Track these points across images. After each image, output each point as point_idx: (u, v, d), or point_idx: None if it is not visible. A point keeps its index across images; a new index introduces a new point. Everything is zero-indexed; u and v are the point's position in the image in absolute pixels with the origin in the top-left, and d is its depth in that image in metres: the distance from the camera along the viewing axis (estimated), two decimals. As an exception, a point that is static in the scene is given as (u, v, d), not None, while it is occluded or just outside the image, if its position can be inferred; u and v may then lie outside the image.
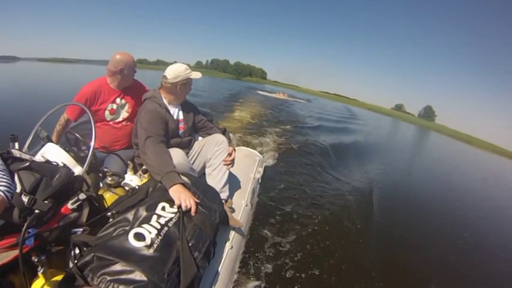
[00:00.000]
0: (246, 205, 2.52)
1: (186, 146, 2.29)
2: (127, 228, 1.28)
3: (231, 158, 2.23)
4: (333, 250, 3.26)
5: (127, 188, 1.92)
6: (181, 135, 2.27)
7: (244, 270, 2.54)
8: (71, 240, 1.25)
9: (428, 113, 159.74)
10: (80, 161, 1.82)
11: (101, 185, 1.98)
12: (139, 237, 1.22)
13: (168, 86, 2.15)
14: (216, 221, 1.61)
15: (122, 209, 1.43)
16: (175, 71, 2.13)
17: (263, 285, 2.50)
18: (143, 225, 1.28)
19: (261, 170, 3.53)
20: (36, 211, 1.15)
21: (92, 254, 1.15)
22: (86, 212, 1.36)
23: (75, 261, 1.15)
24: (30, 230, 1.11)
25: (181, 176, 1.70)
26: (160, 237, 1.25)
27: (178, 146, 2.17)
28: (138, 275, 1.09)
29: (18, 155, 1.47)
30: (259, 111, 14.45)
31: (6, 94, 11.22)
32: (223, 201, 2.05)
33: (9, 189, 1.01)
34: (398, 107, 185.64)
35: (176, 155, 1.95)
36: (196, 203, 1.54)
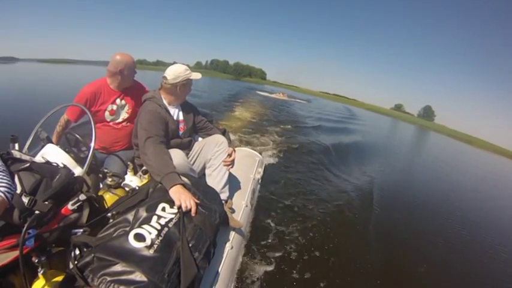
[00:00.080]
0: (246, 205, 2.52)
1: (186, 147, 2.28)
2: (127, 228, 1.28)
3: (231, 158, 2.23)
4: (333, 250, 3.26)
5: (127, 189, 1.92)
6: (182, 135, 2.27)
7: (244, 271, 2.54)
8: (71, 241, 1.25)
9: (427, 113, 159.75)
10: (80, 161, 1.82)
11: (101, 185, 1.98)
12: (140, 237, 1.22)
13: (168, 87, 2.15)
14: (216, 221, 1.61)
15: (122, 210, 1.43)
16: (175, 72, 2.13)
17: (263, 285, 2.50)
18: (143, 226, 1.28)
19: (261, 170, 3.53)
20: (37, 212, 1.15)
21: (92, 255, 1.15)
22: (86, 212, 1.37)
23: (76, 262, 1.15)
24: (30, 231, 1.11)
25: (182, 177, 1.70)
26: (160, 238, 1.25)
27: (178, 146, 2.17)
28: (139, 276, 1.09)
29: (18, 156, 1.47)
30: (259, 111, 14.47)
31: (6, 95, 11.20)
32: (223, 201, 2.05)
33: (9, 190, 1.01)
34: (398, 107, 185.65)
35: (176, 155, 1.95)
36: (197, 203, 1.54)
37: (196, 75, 2.25)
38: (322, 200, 4.60)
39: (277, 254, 2.93)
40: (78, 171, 1.72)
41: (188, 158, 2.23)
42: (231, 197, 2.30)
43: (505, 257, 4.28)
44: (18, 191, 1.19)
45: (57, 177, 1.37)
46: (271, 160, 6.30)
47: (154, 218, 1.35)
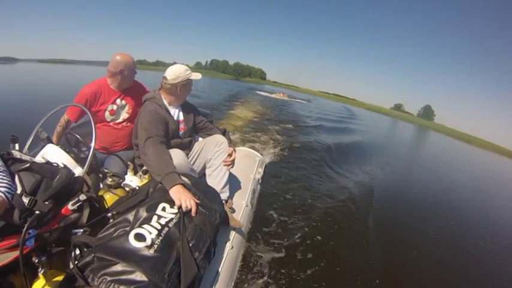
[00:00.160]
0: (246, 205, 2.52)
1: (186, 147, 2.28)
2: (127, 228, 1.28)
3: (231, 158, 2.23)
4: (334, 249, 3.26)
5: (127, 189, 1.92)
6: (182, 136, 2.27)
7: (244, 271, 2.54)
8: (71, 241, 1.25)
9: (427, 113, 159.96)
10: (80, 162, 1.82)
11: (101, 185, 1.98)
12: (140, 237, 1.22)
13: (168, 87, 2.15)
14: (216, 221, 1.61)
15: (122, 210, 1.43)
16: (175, 72, 2.13)
17: (264, 285, 2.50)
18: (144, 226, 1.28)
19: (261, 170, 3.53)
20: (37, 212, 1.15)
21: (93, 255, 1.15)
22: (86, 212, 1.37)
23: (76, 262, 1.15)
24: (30, 231, 1.11)
25: (182, 177, 1.70)
26: (160, 238, 1.25)
27: (179, 146, 2.17)
28: (139, 276, 1.09)
29: (18, 156, 1.47)
30: (259, 111, 14.47)
31: (6, 95, 11.20)
32: (224, 201, 2.05)
33: (9, 190, 1.01)
34: (398, 107, 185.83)
35: (176, 155, 1.95)
36: (197, 203, 1.54)
37: (197, 76, 2.25)
38: (322, 200, 4.60)
39: (277, 254, 2.93)
40: (78, 171, 1.72)
41: (188, 158, 2.23)
42: (231, 196, 2.30)
43: (505, 257, 4.28)
44: (19, 191, 1.19)
45: (58, 177, 1.37)
46: (272, 159, 6.31)
47: (155, 217, 1.35)
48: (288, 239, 3.22)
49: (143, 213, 1.36)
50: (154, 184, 1.66)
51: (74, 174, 1.54)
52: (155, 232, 1.26)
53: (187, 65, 2.24)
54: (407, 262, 3.50)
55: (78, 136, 2.19)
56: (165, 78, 2.14)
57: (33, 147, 1.89)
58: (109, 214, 1.47)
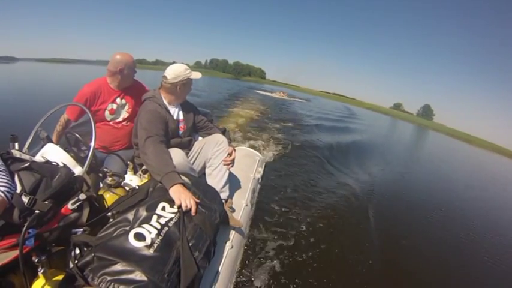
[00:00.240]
0: (246, 205, 2.52)
1: (186, 146, 2.28)
2: (127, 228, 1.28)
3: (231, 158, 2.23)
4: (334, 248, 3.27)
5: (127, 188, 1.92)
6: (182, 135, 2.27)
7: (244, 270, 2.55)
8: (71, 240, 1.24)
9: (426, 112, 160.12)
10: (80, 161, 1.82)
11: (101, 185, 1.98)
12: (140, 237, 1.22)
13: (168, 86, 2.14)
14: (216, 220, 1.61)
15: (122, 209, 1.43)
16: (175, 71, 2.13)
17: (263, 284, 2.50)
18: (143, 225, 1.28)
19: (261, 169, 3.53)
20: (37, 211, 1.15)
21: (92, 254, 1.15)
22: (86, 212, 1.36)
23: (76, 262, 1.14)
24: (30, 231, 1.11)
25: (182, 176, 1.69)
26: (160, 237, 1.25)
27: (179, 146, 2.16)
28: (139, 275, 1.09)
29: (18, 156, 1.47)
30: (259, 110, 14.48)
31: (6, 94, 11.20)
32: (224, 201, 2.05)
33: (9, 190, 1.01)
34: (397, 106, 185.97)
35: (176, 155, 1.95)
36: (197, 203, 1.54)
37: (197, 75, 2.25)
38: (322, 199, 4.61)
39: (277, 253, 2.93)
40: (78, 170, 1.72)
41: (188, 157, 2.23)
42: (231, 196, 2.30)
43: (505, 257, 4.28)
44: (18, 190, 1.19)
45: (57, 176, 1.37)
46: (272, 159, 6.31)
47: (155, 217, 1.35)
48: (288, 238, 3.22)
49: (143, 213, 1.35)
50: (154, 183, 1.66)
51: (73, 173, 1.54)
52: (155, 231, 1.26)
53: (187, 64, 2.24)
54: (407, 260, 3.51)
55: (77, 135, 2.19)
56: (165, 77, 2.14)
57: (33, 147, 1.89)
58: (109, 213, 1.47)
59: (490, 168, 19.58)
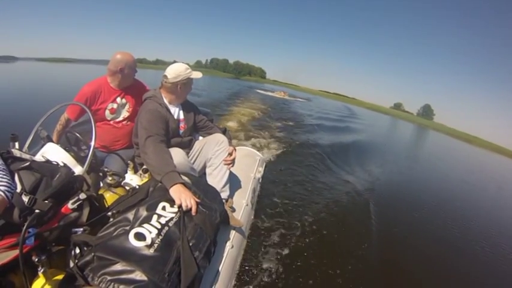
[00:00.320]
0: (247, 204, 2.52)
1: (187, 146, 2.28)
2: (127, 228, 1.27)
3: (232, 157, 2.23)
4: (334, 248, 3.27)
5: (127, 188, 1.91)
6: (182, 134, 2.27)
7: (245, 270, 2.54)
8: (71, 240, 1.24)
9: (426, 112, 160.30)
10: (80, 160, 1.82)
11: (101, 184, 1.98)
12: (140, 237, 1.22)
13: (168, 86, 2.14)
14: (216, 220, 1.61)
15: (122, 209, 1.43)
16: (175, 71, 2.13)
17: (264, 284, 2.50)
18: (144, 225, 1.28)
19: (262, 169, 3.53)
20: (37, 211, 1.15)
21: (93, 254, 1.14)
22: (86, 211, 1.36)
23: (76, 261, 1.15)
24: (30, 230, 1.11)
25: (182, 176, 1.69)
26: (160, 237, 1.25)
27: (179, 145, 2.16)
28: (139, 275, 1.09)
29: (18, 155, 1.47)
30: (259, 110, 14.47)
31: (6, 94, 11.19)
32: (224, 200, 2.05)
33: (9, 189, 1.01)
34: (397, 106, 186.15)
35: (177, 154, 1.95)
36: (197, 202, 1.54)
37: (197, 74, 2.24)
38: (323, 198, 4.61)
39: (277, 253, 2.93)
40: (78, 170, 1.72)
41: (189, 157, 2.23)
42: (231, 196, 2.30)
43: (506, 256, 4.28)
44: (18, 190, 1.19)
45: (57, 176, 1.37)
46: (273, 158, 6.31)
47: (155, 217, 1.35)
48: (288, 238, 3.22)
49: (143, 212, 1.35)
50: (155, 183, 1.66)
51: (73, 173, 1.54)
52: (155, 231, 1.26)
53: (187, 64, 2.24)
54: (407, 259, 3.51)
55: (78, 135, 2.19)
56: (165, 76, 2.13)
57: (33, 146, 1.89)
58: (109, 213, 1.47)
59: (489, 168, 19.59)
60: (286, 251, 2.99)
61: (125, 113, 2.46)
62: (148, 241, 1.21)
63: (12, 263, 1.07)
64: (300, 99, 37.61)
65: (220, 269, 1.68)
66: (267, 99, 24.04)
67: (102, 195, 1.75)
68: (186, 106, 2.33)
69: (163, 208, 1.43)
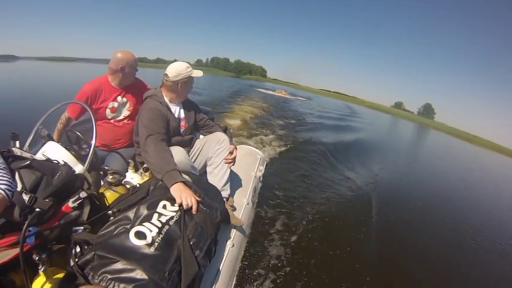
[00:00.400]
0: (248, 203, 2.51)
1: (187, 144, 2.28)
2: (128, 226, 1.27)
3: (232, 156, 2.22)
4: (335, 247, 3.27)
5: (128, 186, 1.91)
6: (183, 133, 2.26)
7: (245, 269, 2.55)
8: (72, 238, 1.24)
9: (427, 111, 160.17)
10: (81, 159, 1.81)
11: (102, 183, 1.97)
12: (140, 235, 1.22)
13: (169, 84, 2.14)
14: (217, 219, 1.60)
15: (123, 207, 1.43)
16: (176, 69, 2.12)
17: (264, 283, 2.50)
18: (144, 224, 1.28)
19: (263, 168, 3.52)
20: (37, 209, 1.15)
21: (93, 253, 1.14)
22: (86, 210, 1.36)
23: (76, 260, 1.14)
24: (31, 229, 1.11)
25: (183, 174, 1.69)
26: (161, 236, 1.25)
27: (180, 144, 2.16)
28: (139, 274, 1.09)
29: (19, 154, 1.46)
30: (260, 108, 14.48)
31: (7, 93, 11.21)
32: (225, 199, 2.05)
33: (9, 188, 1.01)
34: (398, 105, 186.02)
35: (177, 153, 1.94)
36: (198, 201, 1.54)
37: (198, 73, 2.24)
38: (323, 197, 4.61)
39: (278, 252, 2.93)
40: (79, 168, 1.72)
41: (189, 155, 2.23)
42: (232, 194, 2.29)
43: (506, 256, 4.28)
44: (19, 188, 1.19)
45: (58, 174, 1.36)
46: (273, 157, 6.32)
47: (155, 215, 1.34)
48: (289, 237, 3.22)
49: (144, 211, 1.35)
50: (155, 182, 1.66)
51: (74, 171, 1.53)
52: (156, 230, 1.26)
53: (188, 63, 2.24)
54: (406, 256, 3.53)
55: (78, 133, 2.19)
56: (166, 75, 2.13)
57: (34, 145, 1.89)
58: (109, 212, 1.46)
59: (489, 167, 19.58)
60: (287, 250, 3.00)
61: (125, 112, 2.46)
62: (149, 240, 1.21)
63: (13, 262, 1.07)
64: (301, 98, 37.64)
65: (221, 267, 1.68)
66: (268, 98, 24.06)
67: (102, 193, 1.74)
68: (187, 105, 2.33)
69: (164, 207, 1.43)
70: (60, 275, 1.15)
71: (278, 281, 2.57)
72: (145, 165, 2.05)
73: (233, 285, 1.91)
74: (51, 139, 1.90)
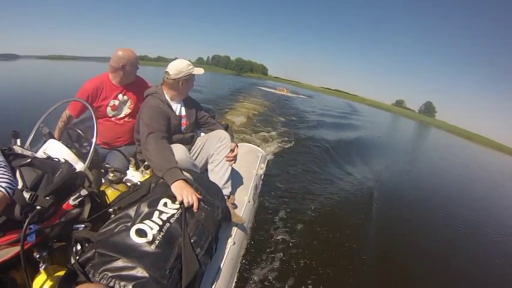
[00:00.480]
0: (249, 201, 2.51)
1: (189, 142, 2.28)
2: (129, 224, 1.27)
3: (234, 154, 2.22)
4: (336, 245, 3.27)
5: (129, 184, 1.91)
6: (184, 131, 2.26)
7: (246, 267, 2.54)
8: (72, 236, 1.24)
9: (428, 109, 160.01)
10: (82, 157, 1.81)
11: (103, 181, 1.98)
12: (141, 233, 1.21)
13: (170, 82, 2.13)
14: (218, 217, 1.60)
15: (124, 205, 1.43)
16: (177, 67, 2.12)
17: (265, 281, 2.50)
18: (145, 222, 1.28)
19: (264, 166, 3.52)
20: (38, 207, 1.14)
21: (94, 250, 1.14)
22: (87, 208, 1.36)
23: (77, 258, 1.14)
24: (31, 226, 1.11)
25: (184, 172, 1.69)
26: (162, 234, 1.25)
27: (181, 142, 2.16)
28: (140, 271, 1.08)
29: (19, 152, 1.46)
30: (261, 107, 14.48)
31: (8, 91, 11.22)
32: (226, 197, 2.05)
33: (10, 186, 1.01)
34: (399, 103, 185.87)
35: (178, 151, 1.94)
36: (199, 199, 1.53)
37: (199, 71, 2.23)
38: (324, 194, 4.61)
39: (279, 250, 2.93)
40: (79, 166, 1.71)
41: (190, 153, 2.22)
42: (233, 192, 2.29)
43: (506, 255, 4.28)
44: (20, 186, 1.19)
45: (59, 172, 1.36)
46: (275, 155, 6.31)
47: (156, 213, 1.34)
48: (290, 235, 3.22)
49: (144, 209, 1.35)
50: (156, 179, 1.66)
51: (75, 169, 1.53)
52: (156, 228, 1.26)
53: (189, 60, 2.23)
54: (406, 255, 3.52)
55: (79, 131, 2.19)
56: (167, 73, 2.12)
57: (35, 143, 1.88)
58: (110, 209, 1.46)
59: (489, 165, 19.55)
60: (287, 248, 3.00)
61: (126, 110, 2.46)
62: (150, 237, 1.21)
63: (14, 260, 1.08)
64: (302, 96, 37.69)
65: (221, 265, 1.68)
66: (269, 96, 24.05)
67: (103, 191, 1.75)
68: (188, 102, 2.32)
69: (165, 204, 1.43)
70: (61, 273, 1.16)
71: (279, 278, 2.57)
72: (146, 163, 2.05)
73: (234, 283, 1.91)
74: (52, 137, 1.89)
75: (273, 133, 8.39)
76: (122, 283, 1.04)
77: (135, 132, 2.22)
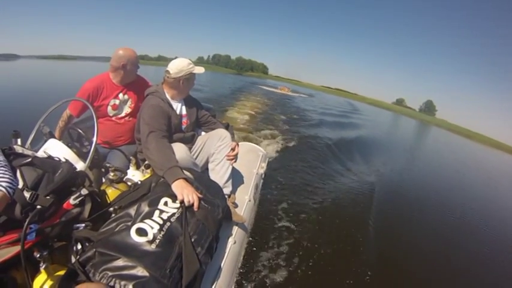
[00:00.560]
0: (249, 200, 2.51)
1: (189, 141, 2.27)
2: (129, 223, 1.27)
3: (234, 153, 2.21)
4: (336, 244, 3.27)
5: (129, 184, 1.90)
6: (184, 130, 2.26)
7: (247, 266, 2.54)
8: (73, 235, 1.25)
9: (429, 108, 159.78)
10: (83, 156, 1.81)
11: (104, 180, 1.97)
12: (142, 232, 1.21)
13: (171, 81, 2.13)
14: (219, 216, 1.60)
15: (124, 204, 1.43)
16: (178, 66, 2.11)
17: (266, 280, 2.50)
18: (145, 221, 1.27)
19: (264, 165, 3.51)
20: (38, 207, 1.14)
21: (94, 250, 1.14)
22: (88, 207, 1.36)
23: (77, 257, 1.14)
24: (32, 226, 1.11)
25: (184, 171, 1.69)
26: (162, 233, 1.24)
27: (181, 141, 2.15)
28: (140, 271, 1.08)
29: (20, 151, 1.46)
30: (262, 106, 14.48)
31: (9, 91, 11.24)
32: (226, 196, 2.04)
33: (11, 185, 1.00)
34: (400, 102, 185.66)
35: (179, 150, 1.94)
36: (199, 198, 1.53)
37: (200, 70, 2.23)
38: (325, 194, 4.61)
39: (279, 249, 2.93)
40: (80, 165, 1.72)
41: (191, 152, 2.22)
42: (234, 191, 2.29)
43: (506, 255, 4.27)
44: (20, 185, 1.19)
45: (59, 171, 1.36)
46: (276, 154, 6.32)
47: (157, 212, 1.34)
48: (290, 234, 3.22)
49: (145, 208, 1.35)
50: (157, 178, 1.65)
51: (75, 168, 1.53)
52: (157, 227, 1.25)
53: (189, 59, 2.23)
54: (406, 255, 3.52)
55: (80, 131, 2.19)
56: (167, 72, 2.12)
57: (35, 142, 1.89)
58: (111, 209, 1.46)
59: (489, 164, 19.55)
60: (288, 247, 3.00)
61: (127, 109, 2.46)
62: (150, 237, 1.20)
63: (14, 259, 1.08)
64: (303, 95, 37.71)
65: (222, 265, 1.68)
66: (270, 95, 24.06)
67: (104, 191, 1.74)
68: (189, 101, 2.32)
69: (166, 203, 1.42)
70: (61, 272, 1.16)
71: (279, 277, 2.57)
72: (146, 162, 2.05)
73: (234, 282, 1.91)
74: (53, 137, 1.89)
75: (274, 132, 8.39)
76: (123, 282, 1.04)
77: (135, 132, 2.22)
